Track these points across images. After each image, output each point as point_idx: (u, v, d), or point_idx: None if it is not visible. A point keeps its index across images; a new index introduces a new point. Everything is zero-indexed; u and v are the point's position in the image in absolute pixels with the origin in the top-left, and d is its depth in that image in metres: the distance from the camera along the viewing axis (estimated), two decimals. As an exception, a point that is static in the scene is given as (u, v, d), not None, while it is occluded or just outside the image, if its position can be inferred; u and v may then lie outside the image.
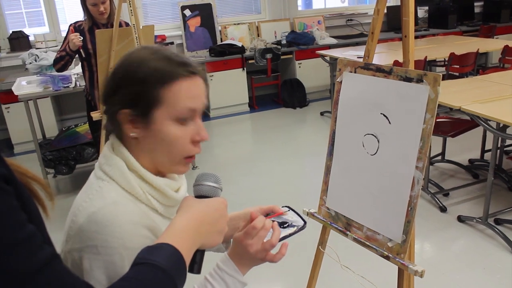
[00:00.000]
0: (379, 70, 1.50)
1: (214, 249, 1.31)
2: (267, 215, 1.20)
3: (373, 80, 1.52)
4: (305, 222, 1.26)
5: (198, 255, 0.90)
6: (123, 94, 0.93)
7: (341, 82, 1.64)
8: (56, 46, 5.34)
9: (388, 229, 1.48)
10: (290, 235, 1.25)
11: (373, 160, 1.53)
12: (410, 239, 1.43)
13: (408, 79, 1.41)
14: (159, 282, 0.73)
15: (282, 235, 1.20)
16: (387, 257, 1.46)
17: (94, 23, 3.17)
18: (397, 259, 1.43)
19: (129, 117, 0.94)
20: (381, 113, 1.50)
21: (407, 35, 1.42)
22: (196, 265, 0.89)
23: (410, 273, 1.42)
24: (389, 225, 1.48)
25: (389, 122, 1.47)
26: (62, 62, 3.22)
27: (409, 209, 1.41)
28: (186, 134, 0.97)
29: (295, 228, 1.24)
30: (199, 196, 0.95)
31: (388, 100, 1.47)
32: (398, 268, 1.48)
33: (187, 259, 0.82)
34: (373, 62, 1.56)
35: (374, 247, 1.51)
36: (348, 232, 1.61)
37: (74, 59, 3.28)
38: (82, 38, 3.09)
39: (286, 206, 1.24)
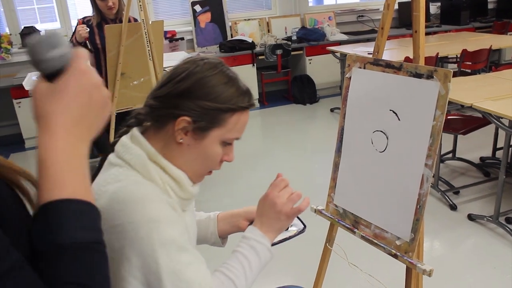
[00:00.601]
0: (389, 66, 1.48)
1: (210, 243, 1.32)
2: None
3: (382, 76, 1.50)
4: (304, 226, 1.27)
5: (101, 139, 0.70)
6: (193, 105, 0.99)
7: (350, 78, 1.62)
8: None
9: (396, 227, 1.46)
10: (290, 237, 1.26)
11: (381, 157, 1.51)
12: (419, 237, 1.41)
13: (418, 75, 1.38)
14: (90, 261, 0.58)
15: (282, 237, 1.21)
16: (395, 256, 1.45)
17: (102, 18, 3.18)
18: (405, 258, 1.41)
19: (186, 125, 0.99)
20: (390, 110, 1.48)
21: (418, 30, 1.40)
22: (103, 146, 0.74)
23: (419, 272, 1.40)
24: (397, 223, 1.46)
25: (399, 119, 1.45)
26: None
27: (418, 207, 1.39)
28: (221, 154, 1.06)
29: (295, 231, 1.24)
30: (48, 76, 0.64)
31: (397, 96, 1.45)
32: (406, 266, 1.46)
33: (87, 187, 0.63)
34: (383, 58, 1.54)
35: (382, 245, 1.49)
36: (356, 230, 1.60)
37: None
38: (88, 29, 3.09)
39: None
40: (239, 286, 1.03)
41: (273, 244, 1.15)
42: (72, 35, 3.23)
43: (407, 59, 4.00)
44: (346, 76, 1.63)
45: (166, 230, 0.92)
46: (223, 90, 1.01)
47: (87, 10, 3.30)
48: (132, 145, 1.02)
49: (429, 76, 1.36)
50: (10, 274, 0.53)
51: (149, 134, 1.05)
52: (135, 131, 1.04)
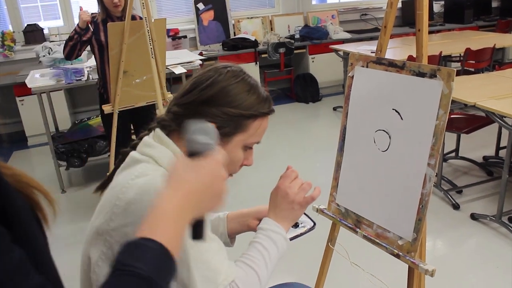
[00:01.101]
0: (392, 65, 1.47)
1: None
2: None
3: (385, 75, 1.49)
4: (314, 224, 1.28)
5: (198, 224, 0.81)
6: (218, 112, 1.04)
7: (352, 76, 1.62)
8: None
9: (398, 227, 1.46)
10: (301, 234, 1.27)
11: (384, 157, 1.51)
12: (421, 237, 1.40)
13: (421, 74, 1.38)
14: None
15: (293, 235, 1.23)
16: (397, 256, 1.44)
17: (108, 15, 3.16)
18: (407, 258, 1.41)
19: None
20: (393, 109, 1.47)
21: (421, 29, 1.39)
22: (197, 233, 0.81)
23: (421, 272, 1.39)
24: (399, 222, 1.45)
25: (401, 118, 1.45)
26: (70, 42, 3.12)
27: (420, 206, 1.39)
28: (242, 159, 1.12)
29: (305, 228, 1.25)
30: (191, 154, 0.81)
31: (400, 95, 1.45)
32: (409, 266, 1.45)
33: (177, 245, 0.73)
34: (386, 57, 1.54)
35: (384, 245, 1.49)
36: (358, 229, 1.59)
37: (87, 52, 3.25)
38: (90, 13, 3.07)
39: None
40: (261, 276, 1.08)
41: None
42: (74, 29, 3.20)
43: (410, 58, 3.98)
44: (349, 75, 1.62)
45: None
46: (246, 98, 1.06)
47: (90, 8, 3.29)
48: (159, 145, 1.06)
49: (432, 75, 1.35)
50: None
51: (173, 137, 1.08)
52: (159, 132, 1.08)
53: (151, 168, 1.02)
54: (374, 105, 1.54)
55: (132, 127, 3.54)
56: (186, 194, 0.77)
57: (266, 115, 1.11)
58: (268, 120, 1.12)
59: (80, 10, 3.16)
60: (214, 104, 1.04)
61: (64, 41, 3.22)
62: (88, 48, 3.28)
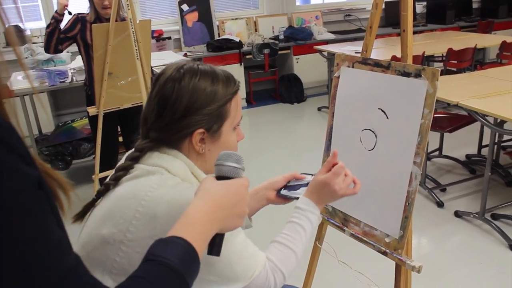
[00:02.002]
0: (377, 65, 1.49)
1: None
2: (288, 182, 1.38)
3: (371, 75, 1.51)
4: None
5: (218, 238, 0.87)
6: (200, 117, 1.04)
7: (338, 77, 1.63)
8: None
9: (385, 225, 1.48)
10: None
11: (370, 156, 1.52)
12: (408, 234, 1.43)
13: (406, 74, 1.40)
14: (170, 283, 0.70)
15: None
16: (384, 253, 1.46)
17: (97, 17, 3.13)
18: (394, 255, 1.43)
19: (202, 136, 1.05)
20: (378, 108, 1.49)
21: (406, 29, 1.41)
22: (215, 248, 0.87)
23: (408, 269, 1.41)
24: (386, 220, 1.47)
25: (387, 117, 1.47)
26: (48, 29, 3.07)
27: (407, 204, 1.41)
28: (236, 139, 1.14)
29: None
30: (219, 177, 0.91)
31: (386, 95, 1.47)
32: (396, 263, 1.47)
33: (202, 249, 0.80)
34: (371, 57, 1.56)
35: (372, 242, 1.51)
36: (345, 228, 1.61)
37: (71, 54, 3.20)
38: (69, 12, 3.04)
39: (304, 173, 1.40)
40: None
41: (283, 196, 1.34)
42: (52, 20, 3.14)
43: (393, 58, 4.02)
44: (335, 75, 1.64)
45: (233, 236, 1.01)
46: (214, 89, 1.05)
47: (73, 9, 3.25)
48: (174, 158, 1.05)
49: (417, 75, 1.37)
50: (72, 274, 0.61)
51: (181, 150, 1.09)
52: (163, 148, 1.07)
53: (170, 179, 1.01)
54: (360, 104, 1.55)
55: (119, 129, 3.50)
56: (214, 206, 0.84)
57: (236, 92, 1.12)
58: (240, 93, 1.14)
59: (73, 19, 3.12)
60: (191, 112, 1.03)
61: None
62: (74, 49, 3.24)
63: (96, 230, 1.02)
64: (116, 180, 1.06)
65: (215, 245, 0.87)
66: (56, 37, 3.11)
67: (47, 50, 3.19)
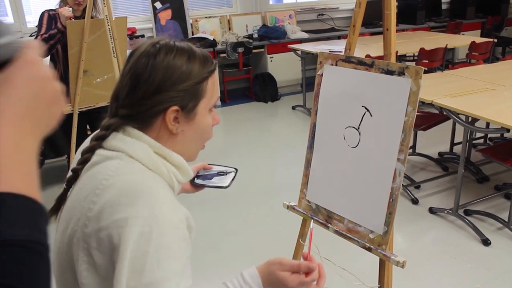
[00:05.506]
0: (361, 63, 1.51)
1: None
2: (198, 172, 1.39)
3: (354, 73, 1.53)
4: (236, 169, 1.42)
5: (55, 139, 0.68)
6: (174, 93, 0.99)
7: (321, 75, 1.64)
8: (21, 37, 5.18)
9: (369, 221, 1.49)
10: (233, 179, 1.37)
11: (354, 153, 1.54)
12: (391, 230, 1.45)
13: (390, 72, 1.42)
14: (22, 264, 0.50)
15: (229, 179, 1.33)
16: (369, 249, 1.48)
17: None
18: (379, 251, 1.45)
19: (176, 114, 1.00)
20: (362, 106, 1.51)
21: (389, 28, 1.44)
22: (60, 148, 0.73)
23: (392, 264, 1.43)
24: (370, 217, 1.49)
25: (371, 115, 1.49)
26: (51, 41, 2.93)
27: (391, 200, 1.43)
28: (211, 122, 1.10)
29: (233, 173, 1.36)
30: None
31: (369, 92, 1.48)
32: (380, 259, 1.49)
33: (32, 183, 0.55)
34: (354, 55, 1.57)
35: (356, 239, 1.52)
36: (329, 225, 1.62)
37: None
38: (71, 9, 2.94)
39: (212, 164, 1.44)
40: None
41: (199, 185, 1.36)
42: (41, 28, 3.01)
43: (368, 57, 4.07)
44: (318, 73, 1.65)
45: (169, 233, 0.89)
46: (190, 66, 1.01)
47: (41, 5, 3.15)
48: (133, 139, 0.99)
49: (401, 73, 1.39)
50: None
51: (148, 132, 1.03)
52: (128, 128, 1.01)
53: (128, 166, 0.96)
54: (344, 102, 1.57)
55: (88, 128, 3.44)
56: (15, 120, 0.56)
57: (213, 71, 1.07)
58: (216, 73, 1.09)
59: (44, 16, 3.00)
60: (166, 88, 0.99)
61: (39, 39, 2.95)
62: None
63: (63, 231, 0.97)
64: (84, 164, 1.00)
65: (58, 147, 0.71)
66: (55, 48, 3.03)
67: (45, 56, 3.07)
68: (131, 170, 0.95)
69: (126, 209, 0.87)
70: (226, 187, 1.36)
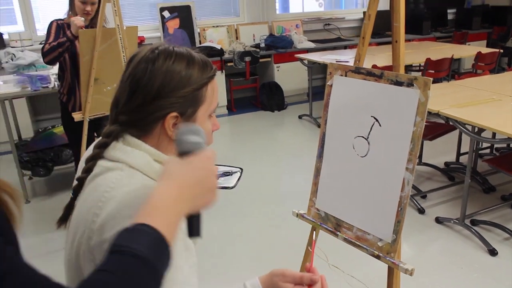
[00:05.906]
0: (370, 74, 1.54)
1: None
2: None
3: (364, 83, 1.56)
4: (241, 168, 1.36)
5: (193, 219, 0.82)
6: (173, 99, 0.98)
7: (331, 85, 1.67)
8: (32, 45, 5.25)
9: (378, 229, 1.52)
10: (239, 179, 1.37)
11: (363, 162, 1.57)
12: (400, 238, 1.47)
13: (399, 83, 1.45)
14: (139, 274, 0.65)
15: (235, 179, 1.32)
16: (377, 257, 1.50)
17: None
18: (387, 258, 1.47)
19: (175, 120, 0.99)
20: (371, 116, 1.53)
21: (398, 40, 1.46)
22: (194, 229, 0.82)
23: (400, 272, 1.45)
24: (379, 225, 1.51)
25: (380, 125, 1.51)
26: (60, 49, 2.96)
27: (399, 209, 1.45)
28: (211, 128, 1.09)
29: (238, 173, 1.35)
30: (181, 154, 0.84)
31: (378, 103, 1.51)
32: (388, 266, 1.51)
33: (172, 235, 0.74)
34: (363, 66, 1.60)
35: (365, 246, 1.54)
36: (338, 233, 1.64)
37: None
38: (83, 18, 2.97)
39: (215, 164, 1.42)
40: None
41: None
42: (49, 37, 3.05)
43: (374, 67, 4.11)
44: (328, 83, 1.68)
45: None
46: (190, 72, 1.01)
47: (51, 14, 3.20)
48: (132, 149, 1.00)
49: (410, 84, 1.42)
50: (11, 273, 0.58)
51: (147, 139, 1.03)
52: (128, 137, 1.01)
53: (128, 176, 0.96)
54: (353, 112, 1.60)
55: (96, 135, 3.48)
56: (180, 187, 0.79)
57: (213, 77, 1.06)
58: (215, 79, 1.09)
59: (53, 25, 3.03)
60: (165, 93, 0.98)
61: (48, 47, 3.00)
62: None
63: (71, 243, 0.98)
64: (88, 173, 1.01)
65: (193, 226, 0.82)
66: (63, 53, 3.04)
67: (51, 64, 3.10)
68: (131, 181, 0.95)
69: (127, 221, 0.84)
70: (232, 187, 1.36)
